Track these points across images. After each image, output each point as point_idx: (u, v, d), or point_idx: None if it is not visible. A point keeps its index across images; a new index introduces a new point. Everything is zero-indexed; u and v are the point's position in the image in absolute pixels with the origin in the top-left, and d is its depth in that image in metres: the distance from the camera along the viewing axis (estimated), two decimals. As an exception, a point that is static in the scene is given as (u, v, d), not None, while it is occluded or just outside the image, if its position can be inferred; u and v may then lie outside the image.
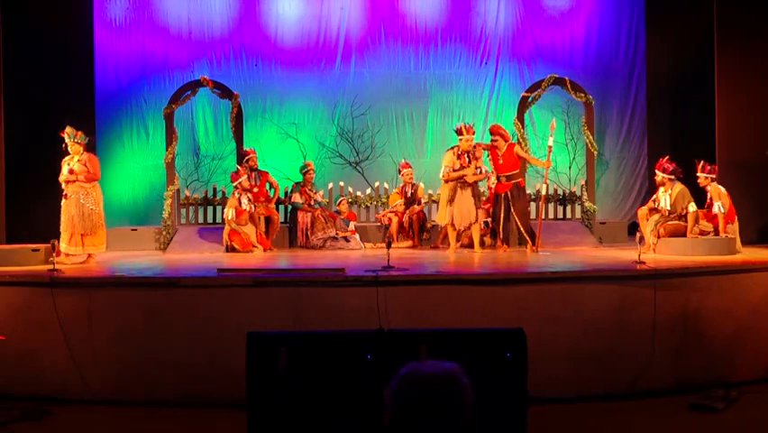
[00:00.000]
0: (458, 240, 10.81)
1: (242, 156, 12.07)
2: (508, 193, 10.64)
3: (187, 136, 13.63)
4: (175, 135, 12.30)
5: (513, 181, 10.59)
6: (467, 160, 10.40)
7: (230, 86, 12.77)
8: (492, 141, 10.71)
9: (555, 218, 12.78)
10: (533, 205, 12.21)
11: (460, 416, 2.46)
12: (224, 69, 13.90)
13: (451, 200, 10.32)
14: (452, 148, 10.56)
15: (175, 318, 7.24)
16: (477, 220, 10.44)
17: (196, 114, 13.91)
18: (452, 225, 10.41)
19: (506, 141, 10.74)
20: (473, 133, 10.52)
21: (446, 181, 10.37)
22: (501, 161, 10.63)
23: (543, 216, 11.28)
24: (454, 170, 10.32)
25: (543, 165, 10.77)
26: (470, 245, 10.90)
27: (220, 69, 13.89)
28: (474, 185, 10.40)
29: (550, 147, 10.66)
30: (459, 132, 10.49)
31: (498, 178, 10.82)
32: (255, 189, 11.70)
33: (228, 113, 12.81)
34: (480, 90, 14.32)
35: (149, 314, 7.28)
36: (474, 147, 10.45)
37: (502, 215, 10.67)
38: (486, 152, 10.89)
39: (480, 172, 10.45)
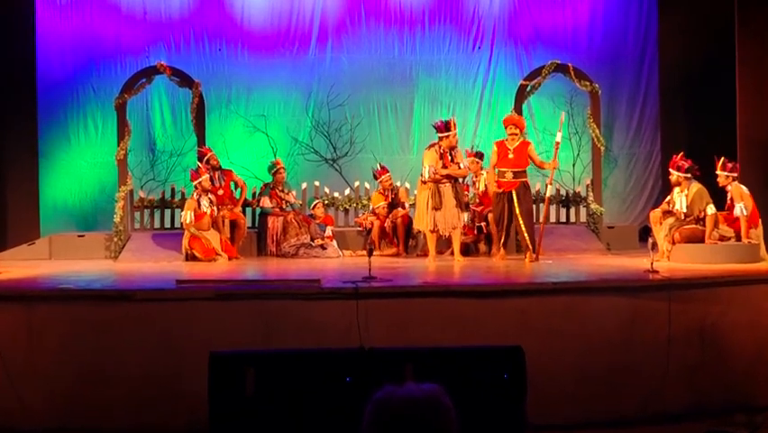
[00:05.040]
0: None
1: (200, 156, 11.98)
2: (513, 192, 10.45)
3: (142, 130, 13.55)
4: (128, 129, 12.23)
5: (520, 180, 10.49)
6: (450, 159, 10.41)
7: (190, 73, 12.72)
8: (511, 134, 10.55)
9: (557, 222, 12.80)
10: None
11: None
12: (184, 54, 13.84)
13: (432, 204, 10.32)
14: (433, 146, 10.57)
15: (128, 337, 7.19)
16: (460, 224, 10.46)
17: (151, 104, 13.83)
18: (435, 230, 10.41)
19: (521, 131, 10.72)
20: (456, 129, 10.53)
21: (424, 183, 10.39)
22: (512, 156, 10.48)
23: (545, 220, 11.22)
24: (444, 167, 10.32)
25: (550, 167, 10.71)
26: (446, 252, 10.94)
27: (179, 53, 13.83)
28: (456, 184, 10.42)
29: (557, 144, 10.65)
30: (441, 128, 10.46)
31: (499, 173, 10.59)
32: (220, 192, 11.63)
33: (188, 103, 12.75)
34: (472, 78, 14.32)
35: (98, 332, 7.23)
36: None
37: (505, 217, 10.49)
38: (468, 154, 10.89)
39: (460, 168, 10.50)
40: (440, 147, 10.46)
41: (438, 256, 10.80)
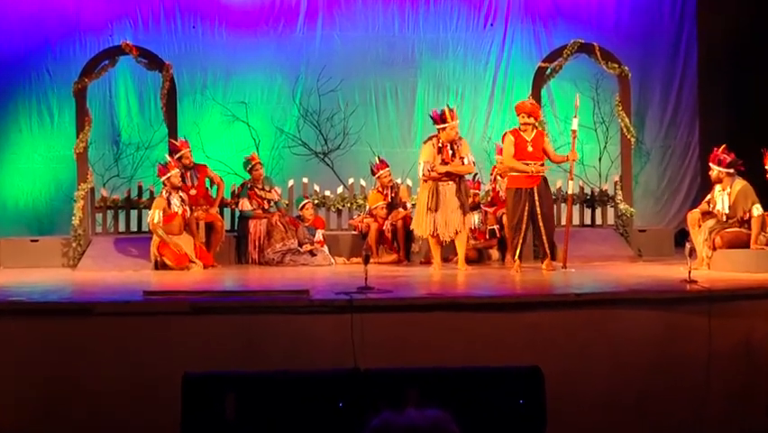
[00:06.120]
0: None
1: (172, 149, 11.96)
2: (535, 190, 10.20)
3: (105, 119, 13.57)
4: (88, 118, 12.24)
5: (542, 174, 10.30)
6: (450, 153, 10.39)
7: (160, 53, 12.72)
8: (524, 124, 10.38)
9: (581, 225, 12.81)
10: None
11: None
12: (153, 33, 13.87)
13: (431, 205, 10.30)
14: (431, 139, 10.56)
15: (89, 357, 7.18)
16: (465, 228, 10.42)
17: (115, 90, 13.85)
18: (435, 236, 10.39)
19: (537, 119, 10.59)
20: (457, 119, 10.51)
21: (425, 181, 10.38)
22: (531, 148, 10.29)
23: (569, 222, 11.18)
24: (443, 163, 10.30)
25: (567, 159, 10.62)
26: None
27: (147, 32, 13.86)
28: (460, 183, 10.38)
29: (574, 132, 10.65)
30: (438, 119, 10.44)
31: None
32: (192, 192, 11.61)
33: (158, 89, 12.76)
34: (483, 59, 14.36)
35: (55, 351, 7.22)
36: (459, 138, 10.44)
37: (524, 219, 10.20)
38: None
39: (465, 165, 10.43)
40: (438, 140, 10.45)
41: (445, 264, 10.80)
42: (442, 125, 10.42)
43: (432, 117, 10.58)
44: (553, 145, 11.09)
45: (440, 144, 10.41)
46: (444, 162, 10.36)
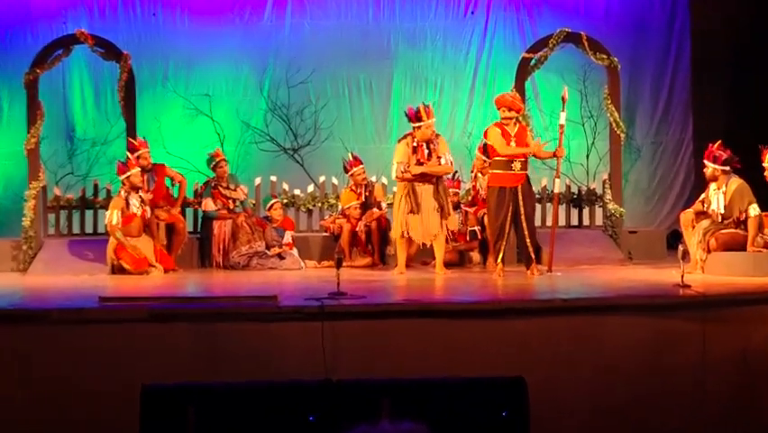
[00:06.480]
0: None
1: (131, 148, 11.86)
2: (518, 189, 10.19)
3: (58, 113, 13.52)
4: (40, 112, 12.19)
5: (525, 173, 10.29)
6: (426, 152, 10.39)
7: (117, 43, 12.66)
8: (506, 118, 10.37)
9: (567, 226, 12.84)
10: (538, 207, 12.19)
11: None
12: (110, 21, 13.83)
13: (405, 207, 10.30)
14: (405, 137, 10.56)
15: (41, 366, 7.16)
16: (443, 231, 10.44)
17: (70, 82, 13.80)
18: (406, 237, 10.39)
19: (518, 113, 10.54)
20: (433, 117, 10.51)
21: (401, 181, 10.40)
22: (514, 144, 10.24)
23: (555, 223, 11.19)
24: (418, 163, 10.30)
25: (553, 156, 10.59)
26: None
27: (104, 19, 13.81)
28: (438, 183, 10.38)
29: (562, 127, 10.65)
30: (414, 117, 10.43)
31: (498, 164, 10.43)
32: (149, 195, 11.49)
33: (115, 81, 12.70)
34: (464, 49, 14.38)
35: (4, 361, 7.20)
36: (436, 135, 10.46)
37: (508, 220, 10.20)
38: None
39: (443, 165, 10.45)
40: (413, 139, 10.44)
41: (423, 268, 10.79)
42: (417, 124, 10.42)
43: (407, 115, 10.58)
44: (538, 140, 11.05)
45: (415, 144, 10.40)
46: (420, 163, 10.35)
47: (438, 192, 10.39)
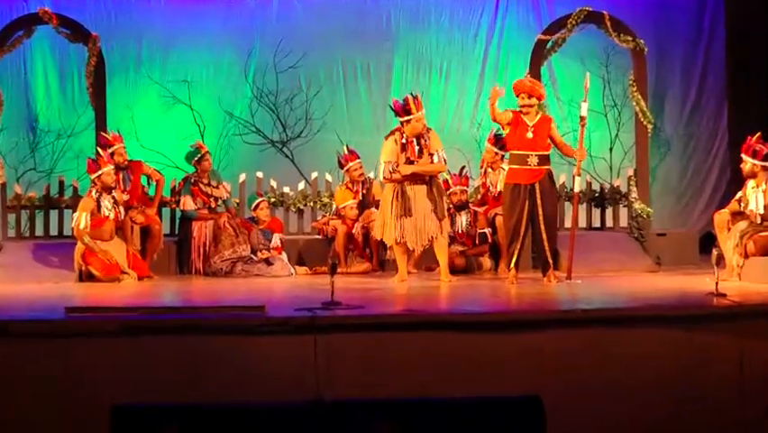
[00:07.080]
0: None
1: (104, 143, 11.80)
2: (536, 186, 10.14)
3: (19, 101, 13.54)
4: None
5: (546, 168, 10.23)
6: (416, 149, 10.32)
7: (85, 23, 12.68)
8: (525, 106, 10.28)
9: (589, 227, 12.85)
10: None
11: None
12: (77, -2, 13.83)
13: (396, 211, 10.25)
14: (393, 134, 10.50)
15: (1, 385, 7.13)
16: (442, 234, 10.37)
17: (32, 66, 13.83)
18: (402, 243, 10.34)
19: (539, 100, 10.46)
20: (422, 108, 10.42)
21: (389, 182, 10.35)
22: (531, 135, 10.18)
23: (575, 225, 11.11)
24: (407, 162, 10.25)
25: (576, 154, 10.48)
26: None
27: (70, -4, 13.81)
28: (431, 183, 10.32)
29: (583, 120, 10.55)
30: (401, 111, 10.35)
31: (514, 158, 10.36)
32: (126, 197, 11.43)
33: (82, 65, 12.70)
34: (472, 30, 14.40)
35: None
36: (427, 130, 10.40)
37: (524, 221, 10.13)
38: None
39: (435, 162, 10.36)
40: (402, 135, 10.38)
41: (427, 275, 10.78)
42: (405, 117, 10.32)
43: (393, 109, 10.45)
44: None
45: (404, 140, 10.33)
46: (409, 161, 10.27)
47: (432, 192, 10.28)
